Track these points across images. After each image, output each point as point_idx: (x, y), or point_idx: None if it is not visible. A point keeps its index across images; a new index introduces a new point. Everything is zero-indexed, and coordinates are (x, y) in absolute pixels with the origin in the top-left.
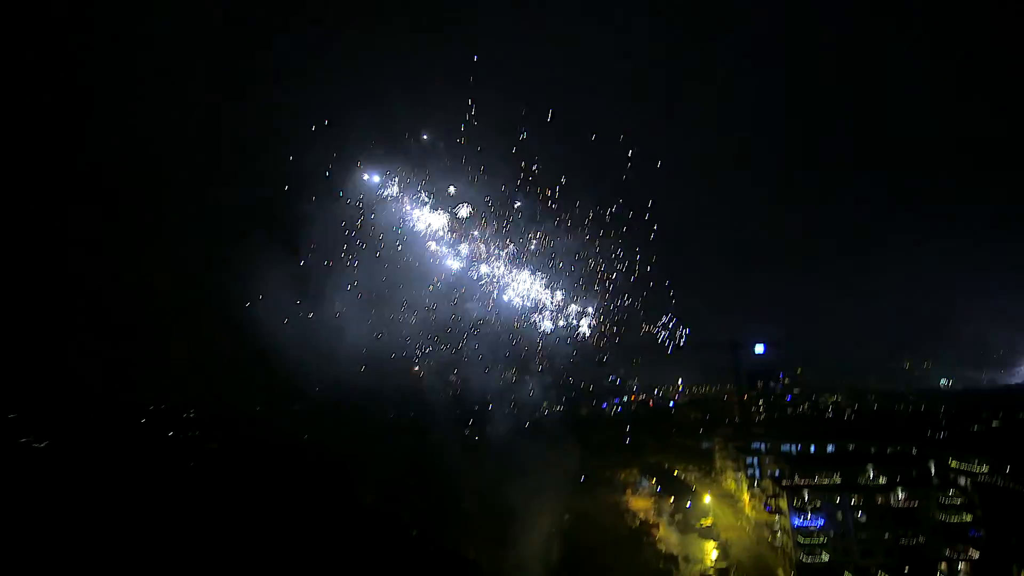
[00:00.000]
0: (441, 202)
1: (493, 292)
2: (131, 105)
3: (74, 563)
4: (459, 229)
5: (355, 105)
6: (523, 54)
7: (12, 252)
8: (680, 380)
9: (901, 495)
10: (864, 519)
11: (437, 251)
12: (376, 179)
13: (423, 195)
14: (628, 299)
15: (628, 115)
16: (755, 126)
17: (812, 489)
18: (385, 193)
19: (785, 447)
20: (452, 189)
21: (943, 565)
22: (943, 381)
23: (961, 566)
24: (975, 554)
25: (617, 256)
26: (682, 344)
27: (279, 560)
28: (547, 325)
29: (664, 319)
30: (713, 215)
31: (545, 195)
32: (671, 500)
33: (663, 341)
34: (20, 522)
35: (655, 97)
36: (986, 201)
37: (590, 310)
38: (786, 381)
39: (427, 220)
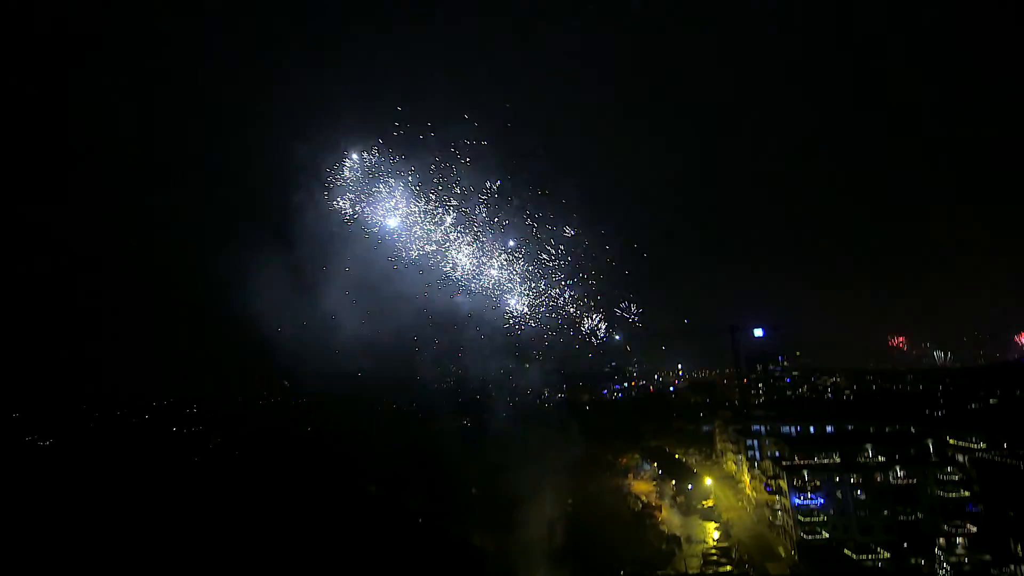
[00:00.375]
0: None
1: (489, 282)
2: (124, 102)
3: (82, 558)
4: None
5: (345, 95)
6: (513, 48)
7: (14, 252)
8: (680, 365)
9: (900, 473)
10: (863, 497)
11: (429, 241)
12: (366, 168)
13: (413, 185)
14: (624, 286)
15: (627, 107)
16: (754, 113)
17: (812, 469)
18: (374, 183)
19: (785, 429)
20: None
21: (941, 540)
22: (938, 353)
23: (959, 541)
24: (973, 529)
25: (614, 245)
26: (678, 328)
27: (287, 551)
28: (545, 313)
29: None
30: (713, 200)
31: (538, 189)
32: (673, 483)
33: (660, 328)
34: (27, 518)
35: (657, 87)
36: (985, 183)
37: (588, 298)
38: (785, 364)
39: (418, 211)
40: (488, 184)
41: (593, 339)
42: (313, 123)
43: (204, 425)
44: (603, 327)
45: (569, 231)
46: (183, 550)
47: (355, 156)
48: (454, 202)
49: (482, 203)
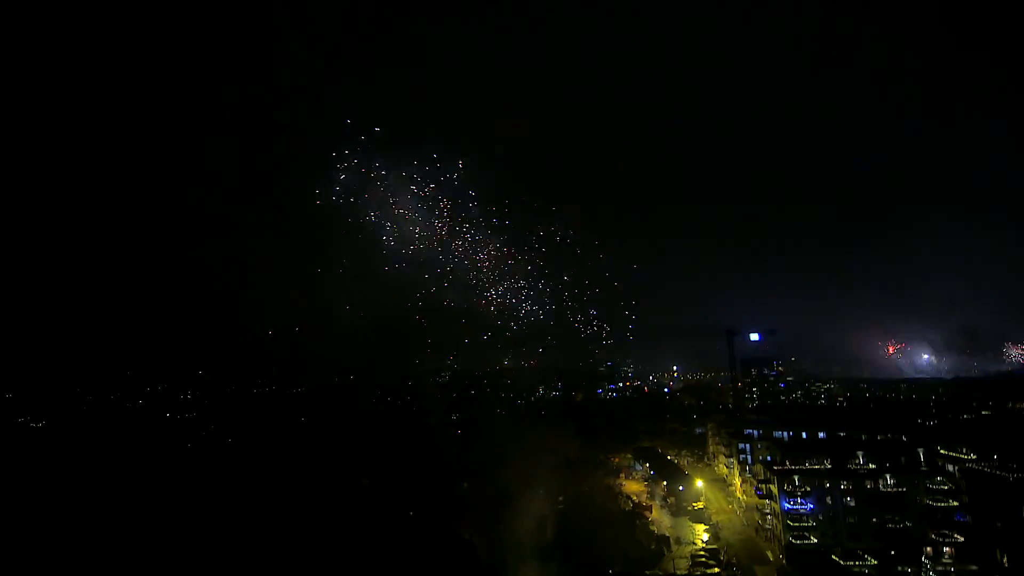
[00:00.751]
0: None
1: (486, 280)
2: (125, 100)
3: (73, 543)
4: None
5: (345, 98)
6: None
7: (14, 238)
8: (675, 367)
9: (890, 481)
10: (853, 504)
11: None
12: (365, 168)
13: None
14: (622, 288)
15: (626, 109)
16: (755, 121)
17: (802, 474)
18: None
19: (777, 433)
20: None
21: (928, 549)
22: (932, 361)
23: (946, 550)
24: (960, 538)
25: (609, 254)
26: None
27: (278, 542)
28: (543, 312)
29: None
30: (712, 205)
31: (535, 202)
32: (664, 484)
33: (656, 330)
34: (18, 502)
35: (657, 90)
36: (982, 194)
37: (586, 300)
38: (780, 369)
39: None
40: (483, 182)
41: (592, 344)
42: (314, 121)
43: (198, 412)
44: (605, 329)
45: (566, 235)
46: (174, 536)
47: (353, 157)
48: (448, 202)
49: (477, 203)
